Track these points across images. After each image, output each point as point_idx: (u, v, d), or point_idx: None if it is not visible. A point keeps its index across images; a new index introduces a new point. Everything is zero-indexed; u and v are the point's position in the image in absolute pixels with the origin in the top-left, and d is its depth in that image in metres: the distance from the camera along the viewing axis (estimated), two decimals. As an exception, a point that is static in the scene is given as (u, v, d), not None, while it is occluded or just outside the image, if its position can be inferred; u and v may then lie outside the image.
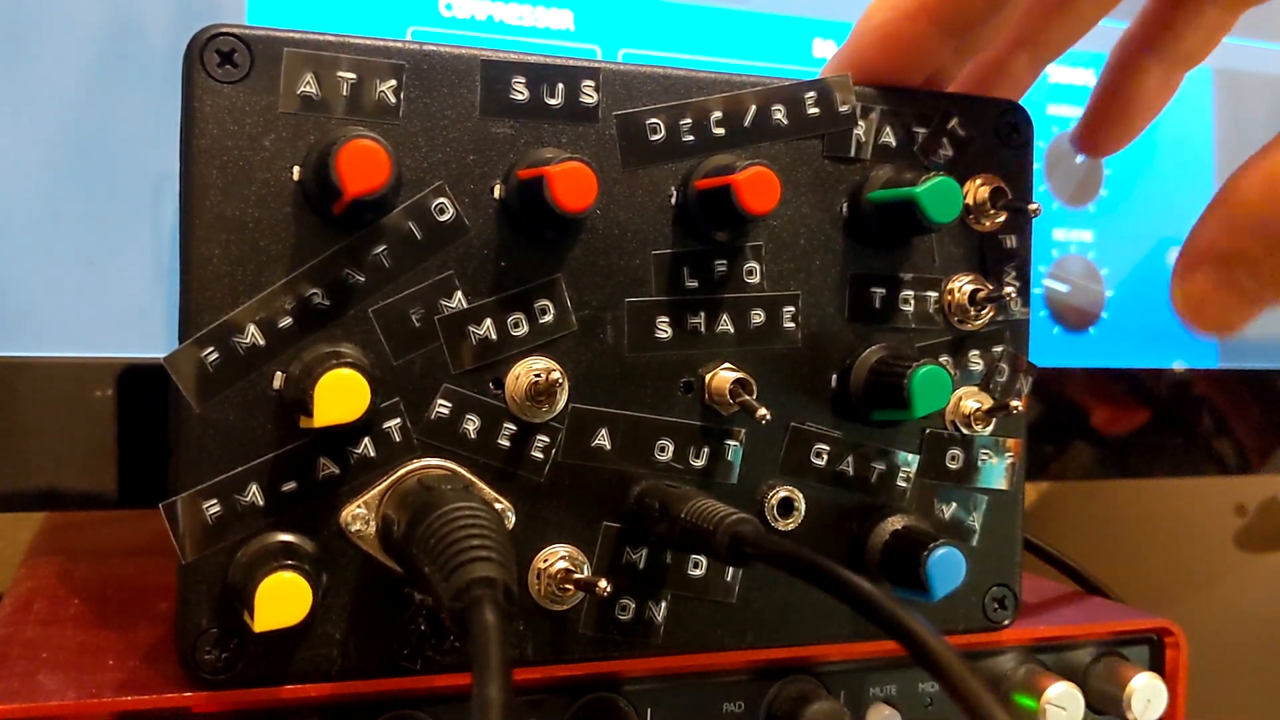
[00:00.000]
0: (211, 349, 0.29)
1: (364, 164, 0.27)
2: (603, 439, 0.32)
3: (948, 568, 0.32)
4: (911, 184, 0.32)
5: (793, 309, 0.33)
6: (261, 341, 0.29)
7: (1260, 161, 0.28)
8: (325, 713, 0.31)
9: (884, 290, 0.34)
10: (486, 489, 0.31)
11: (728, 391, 0.32)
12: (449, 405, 0.30)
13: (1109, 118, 0.38)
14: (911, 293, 0.35)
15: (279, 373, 0.29)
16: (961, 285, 0.35)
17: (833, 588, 0.26)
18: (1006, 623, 0.36)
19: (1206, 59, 0.56)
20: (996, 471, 0.36)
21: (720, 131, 0.32)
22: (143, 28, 0.41)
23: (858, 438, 0.34)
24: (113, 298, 0.41)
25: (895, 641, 0.24)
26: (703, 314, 0.33)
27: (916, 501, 0.35)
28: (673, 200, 0.32)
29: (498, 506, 0.31)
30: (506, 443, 0.31)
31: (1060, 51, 0.36)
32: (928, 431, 0.35)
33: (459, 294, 0.30)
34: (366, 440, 0.30)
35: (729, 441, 0.33)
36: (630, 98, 0.32)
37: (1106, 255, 0.55)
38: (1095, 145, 0.39)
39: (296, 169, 0.29)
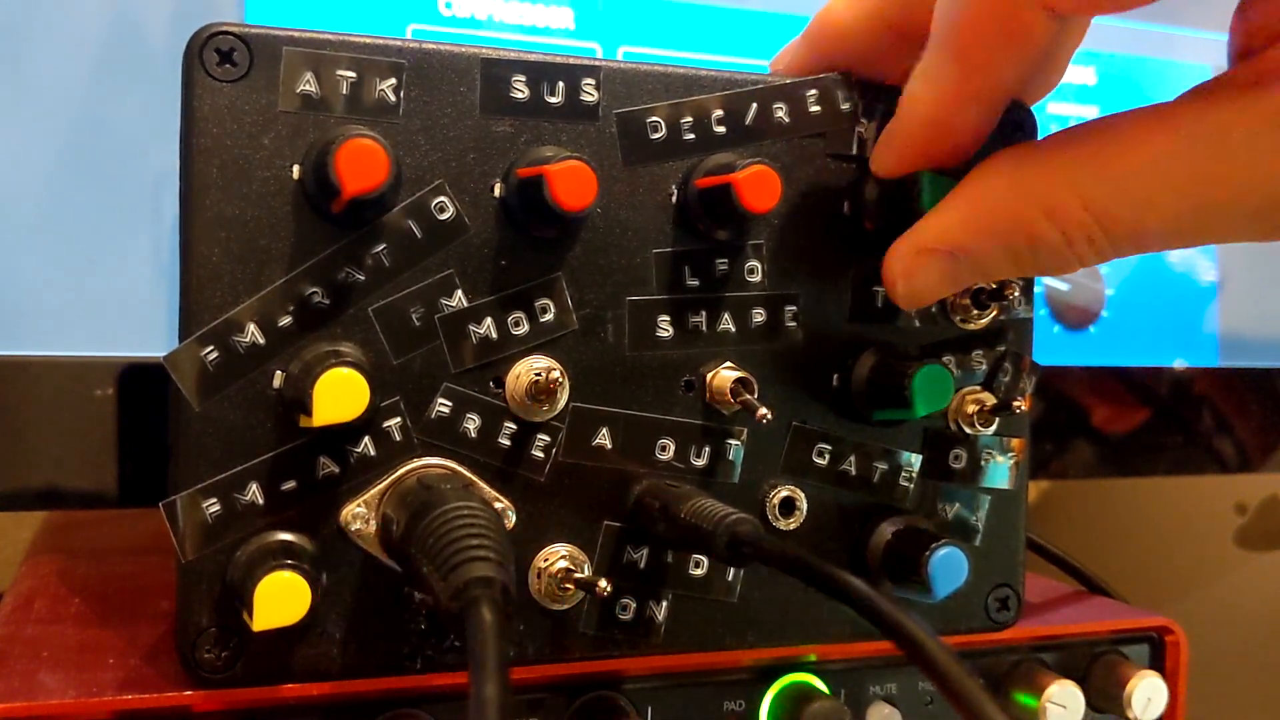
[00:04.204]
0: (211, 348, 0.29)
1: (362, 163, 0.27)
2: (603, 438, 0.32)
3: (950, 567, 0.32)
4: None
5: (794, 308, 0.33)
6: (261, 340, 0.29)
7: (1020, 176, 0.29)
8: (325, 712, 0.31)
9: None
10: (487, 488, 0.31)
11: (729, 391, 0.32)
12: (449, 404, 0.30)
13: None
14: (912, 291, 0.35)
15: (279, 371, 0.29)
16: (962, 284, 0.35)
17: (829, 588, 0.26)
18: (1009, 623, 0.36)
19: (1207, 59, 0.55)
20: (1000, 471, 0.36)
21: (721, 130, 0.32)
22: (142, 28, 0.41)
23: (860, 437, 0.34)
24: (113, 297, 0.41)
25: (891, 642, 0.24)
26: (704, 313, 0.33)
27: (919, 501, 0.35)
28: (673, 199, 0.32)
29: (498, 506, 0.31)
30: (507, 442, 0.31)
31: None
32: (930, 431, 0.35)
33: (459, 293, 0.30)
34: (366, 439, 0.30)
35: (730, 441, 0.33)
36: (631, 96, 0.32)
37: (1107, 254, 0.55)
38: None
39: (296, 168, 0.29)
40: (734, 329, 0.33)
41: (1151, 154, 0.27)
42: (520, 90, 0.31)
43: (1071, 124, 0.41)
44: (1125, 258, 0.30)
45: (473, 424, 0.31)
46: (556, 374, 0.30)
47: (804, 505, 0.34)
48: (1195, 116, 0.27)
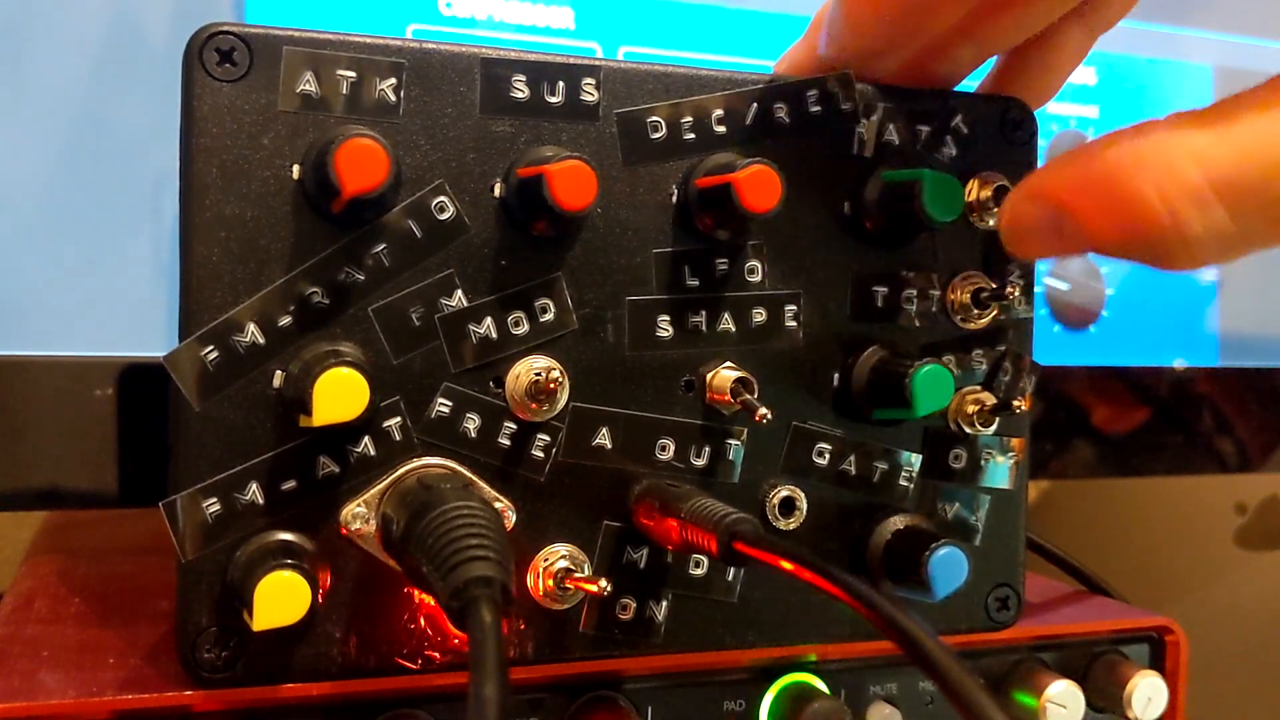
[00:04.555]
0: (211, 347, 0.29)
1: (362, 162, 0.27)
2: (603, 438, 0.32)
3: (950, 567, 0.32)
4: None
5: (794, 308, 0.33)
6: (261, 340, 0.29)
7: (1136, 142, 0.27)
8: (325, 712, 0.31)
9: (886, 289, 0.34)
10: (486, 488, 0.31)
11: (729, 390, 0.32)
12: (449, 404, 0.30)
13: (1029, 72, 0.37)
14: (914, 291, 0.35)
15: (279, 371, 0.29)
16: (964, 284, 0.35)
17: (828, 588, 0.26)
18: (1009, 623, 0.36)
19: (1207, 59, 0.55)
20: (1000, 471, 0.36)
21: (721, 130, 0.32)
22: (142, 28, 0.41)
23: (860, 437, 0.34)
24: (113, 297, 0.41)
25: (891, 642, 0.24)
26: (704, 313, 0.33)
27: (919, 501, 0.35)
28: (674, 199, 0.32)
29: (498, 505, 0.31)
30: (507, 442, 0.31)
31: (1008, 45, 0.35)
32: (930, 431, 0.35)
33: (459, 292, 0.30)
34: (366, 439, 0.30)
35: (730, 440, 0.33)
36: (631, 96, 0.32)
37: (1107, 253, 0.55)
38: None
39: (296, 167, 0.29)
40: (734, 329, 0.33)
41: (1277, 114, 0.25)
42: (520, 90, 0.31)
43: (1072, 124, 0.41)
44: (1247, 249, 0.27)
45: (473, 424, 0.31)
46: (556, 374, 0.30)
47: (804, 505, 0.34)
48: None
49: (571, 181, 0.29)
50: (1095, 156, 0.28)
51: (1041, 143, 0.36)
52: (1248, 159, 0.25)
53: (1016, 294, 0.34)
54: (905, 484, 0.35)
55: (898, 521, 0.34)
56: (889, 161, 0.34)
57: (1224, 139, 0.25)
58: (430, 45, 0.30)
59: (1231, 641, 0.70)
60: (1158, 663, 0.39)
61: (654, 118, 0.32)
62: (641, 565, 0.32)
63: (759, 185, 0.30)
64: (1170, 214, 0.26)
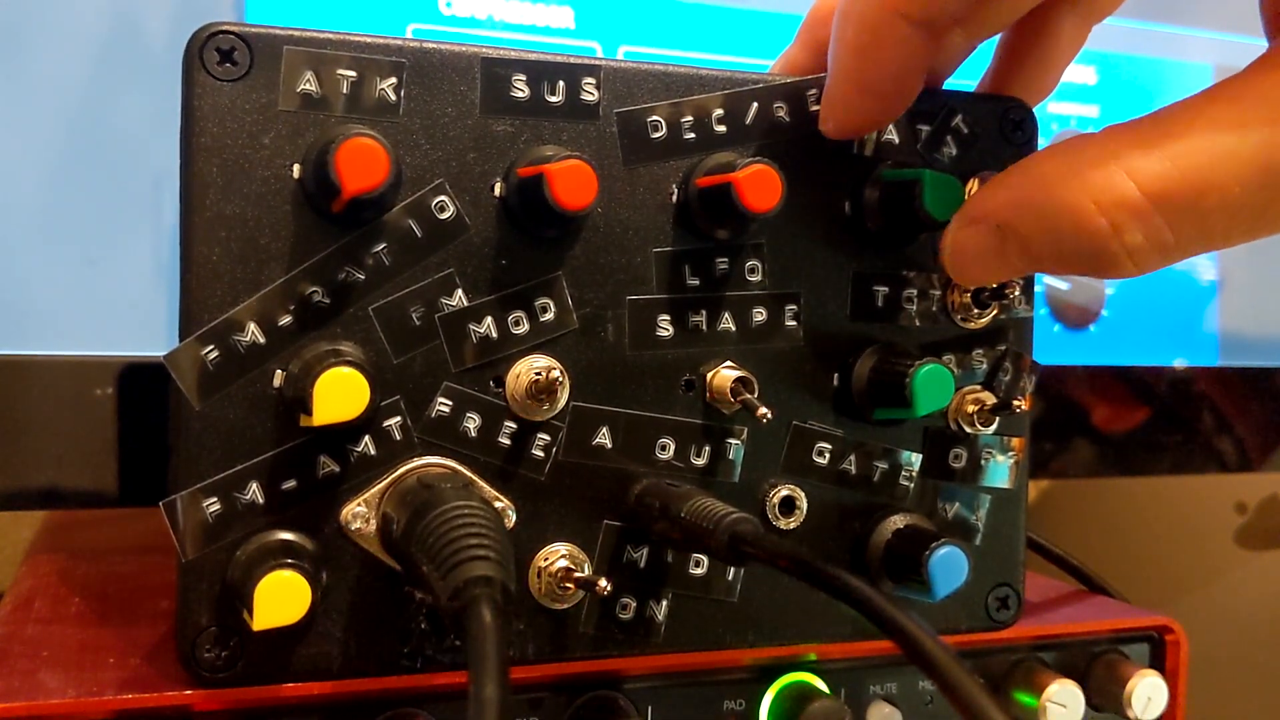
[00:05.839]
0: (211, 347, 0.29)
1: (362, 162, 0.27)
2: (604, 437, 0.32)
3: (950, 567, 0.32)
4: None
5: (794, 307, 0.33)
6: (261, 339, 0.29)
7: (1073, 158, 0.27)
8: (325, 711, 0.31)
9: (886, 288, 0.34)
10: (487, 487, 0.31)
11: (729, 390, 0.32)
12: (449, 403, 0.30)
13: (1026, 68, 0.36)
14: (914, 291, 0.35)
15: (279, 371, 0.29)
16: (963, 283, 0.35)
17: (829, 588, 0.26)
18: (1009, 623, 0.36)
19: (1207, 58, 0.55)
20: (1000, 470, 0.36)
21: (721, 129, 0.32)
22: (142, 27, 0.41)
23: (860, 436, 0.34)
24: (113, 297, 0.41)
25: (891, 641, 0.24)
26: (704, 312, 0.33)
27: (919, 500, 0.35)
28: (674, 198, 0.32)
29: (498, 505, 0.31)
30: (507, 441, 0.31)
31: (996, 31, 0.35)
32: (930, 430, 0.35)
33: (459, 292, 0.30)
34: (367, 438, 0.30)
35: (730, 440, 0.33)
36: (631, 95, 0.32)
37: (1108, 253, 0.55)
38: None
39: (296, 167, 0.29)
40: (734, 328, 0.33)
41: (1209, 127, 0.26)
42: (520, 89, 0.31)
43: (1072, 123, 0.41)
44: (1185, 255, 0.27)
45: (473, 423, 0.31)
46: (556, 373, 0.30)
47: (804, 504, 0.34)
48: (1251, 88, 0.26)
49: (571, 181, 0.29)
50: (1032, 175, 0.28)
51: (1041, 141, 0.36)
52: (1182, 174, 0.26)
53: (1016, 294, 0.34)
54: (905, 483, 0.35)
55: (898, 521, 0.34)
56: (889, 161, 0.34)
57: (1159, 154, 0.26)
58: (430, 45, 0.30)
59: (1231, 641, 0.70)
60: (1158, 662, 0.39)
61: (654, 117, 0.32)
62: (642, 565, 0.32)
63: (759, 185, 0.30)
64: (1112, 227, 0.26)
